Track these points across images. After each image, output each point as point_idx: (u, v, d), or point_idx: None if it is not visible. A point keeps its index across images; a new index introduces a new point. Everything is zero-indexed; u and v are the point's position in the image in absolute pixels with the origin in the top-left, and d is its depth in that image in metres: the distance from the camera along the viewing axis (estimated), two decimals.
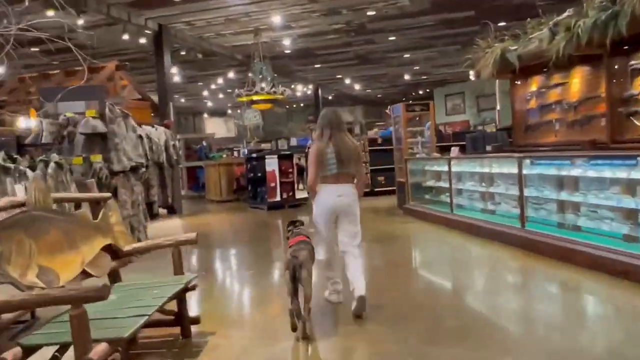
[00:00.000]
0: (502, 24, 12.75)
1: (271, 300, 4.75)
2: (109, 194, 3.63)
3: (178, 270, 3.63)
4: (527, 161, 6.07)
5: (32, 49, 3.72)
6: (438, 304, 4.29)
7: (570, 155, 5.50)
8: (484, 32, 8.44)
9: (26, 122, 8.38)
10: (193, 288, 3.69)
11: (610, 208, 5.01)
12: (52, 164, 3.95)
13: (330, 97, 27.24)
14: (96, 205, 3.48)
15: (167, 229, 9.55)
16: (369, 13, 11.82)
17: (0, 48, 3.78)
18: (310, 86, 22.35)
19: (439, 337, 3.43)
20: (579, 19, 6.30)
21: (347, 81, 22.61)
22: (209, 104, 27.60)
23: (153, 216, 10.86)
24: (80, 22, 9.90)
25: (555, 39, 6.63)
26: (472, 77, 12.39)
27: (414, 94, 28.12)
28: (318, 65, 18.43)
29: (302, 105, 29.56)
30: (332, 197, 4.07)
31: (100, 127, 6.15)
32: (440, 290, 4.69)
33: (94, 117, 6.15)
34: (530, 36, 7.47)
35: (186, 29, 12.33)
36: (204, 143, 16.58)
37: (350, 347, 3.40)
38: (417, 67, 20.17)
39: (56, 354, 2.69)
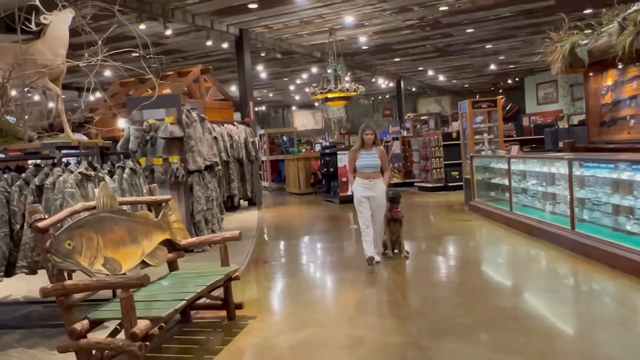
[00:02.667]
0: (588, 11, 12.21)
1: (310, 290, 5.26)
2: (168, 197, 4.31)
3: (224, 262, 4.23)
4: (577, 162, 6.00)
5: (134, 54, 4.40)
6: (459, 301, 4.54)
7: (613, 159, 5.41)
8: (559, 23, 8.10)
9: (125, 123, 9.54)
10: (237, 278, 4.28)
11: None
12: (127, 170, 4.71)
13: (413, 89, 27.12)
14: (157, 206, 4.17)
15: (244, 220, 10.38)
16: (442, 8, 11.83)
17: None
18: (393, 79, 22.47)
19: (444, 332, 3.73)
20: None
21: (430, 72, 22.43)
22: (297, 97, 28.60)
23: (234, 208, 11.85)
24: (169, 32, 10.99)
25: (624, 33, 6.42)
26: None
27: (502, 83, 27.16)
28: (397, 59, 18.53)
29: (387, 97, 29.70)
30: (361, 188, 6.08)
31: (177, 132, 6.98)
32: (471, 289, 4.91)
33: (172, 123, 6.99)
34: (602, 29, 7.22)
35: (265, 32, 13.10)
36: (284, 138, 17.38)
37: (361, 336, 3.80)
38: (503, 57, 19.56)
39: (117, 327, 3.40)
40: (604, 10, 7.34)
